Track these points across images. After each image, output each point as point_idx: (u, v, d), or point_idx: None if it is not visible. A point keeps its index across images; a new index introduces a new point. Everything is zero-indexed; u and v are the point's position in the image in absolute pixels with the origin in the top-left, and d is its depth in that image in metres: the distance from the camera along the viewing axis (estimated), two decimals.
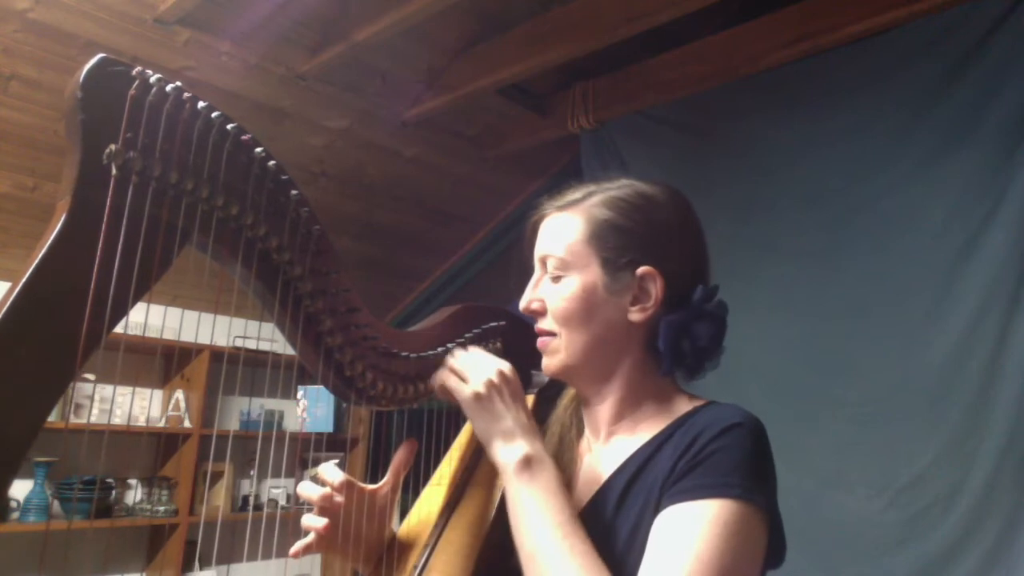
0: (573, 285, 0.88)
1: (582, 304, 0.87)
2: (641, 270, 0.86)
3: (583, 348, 0.88)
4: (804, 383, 2.73)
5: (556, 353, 0.90)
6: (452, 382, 0.87)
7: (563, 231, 0.90)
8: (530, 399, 0.98)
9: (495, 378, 0.85)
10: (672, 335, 0.86)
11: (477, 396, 0.84)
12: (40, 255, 0.62)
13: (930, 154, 2.59)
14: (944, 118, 2.57)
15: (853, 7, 2.63)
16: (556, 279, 0.90)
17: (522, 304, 0.93)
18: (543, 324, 0.91)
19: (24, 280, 0.61)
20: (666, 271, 0.87)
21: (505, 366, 0.87)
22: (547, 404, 1.01)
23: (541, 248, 0.92)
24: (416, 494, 1.05)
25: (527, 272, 0.95)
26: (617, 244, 0.87)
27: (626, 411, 0.89)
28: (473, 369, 0.87)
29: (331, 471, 0.97)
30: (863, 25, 2.63)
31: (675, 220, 0.91)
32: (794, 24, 2.77)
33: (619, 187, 0.91)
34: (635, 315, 0.87)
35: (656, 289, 0.86)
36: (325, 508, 0.95)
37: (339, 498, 0.95)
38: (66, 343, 0.62)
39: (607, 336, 0.88)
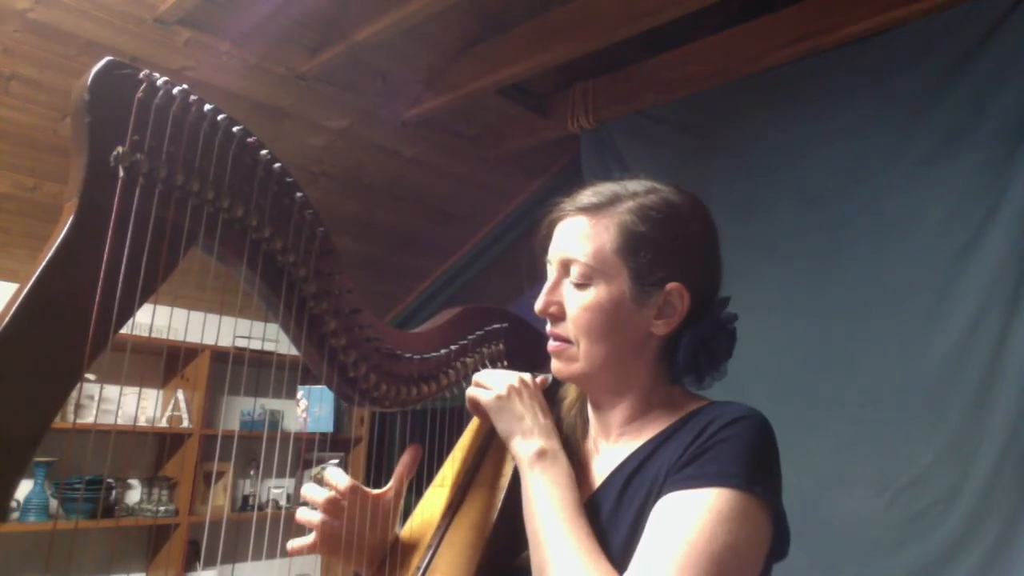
0: (600, 295, 0.86)
1: (607, 316, 0.86)
2: (670, 286, 0.86)
3: (602, 358, 0.87)
4: (804, 383, 2.73)
5: (573, 361, 0.89)
6: (477, 392, 0.91)
7: (591, 238, 0.87)
8: None
9: (515, 383, 0.90)
10: (693, 350, 0.86)
11: (499, 398, 0.89)
12: (47, 257, 0.62)
13: (930, 154, 2.59)
14: (944, 118, 2.57)
15: (853, 7, 2.64)
16: (580, 286, 0.87)
17: (538, 307, 0.90)
18: (559, 329, 0.90)
19: (31, 282, 0.61)
20: (692, 286, 0.87)
21: (524, 375, 0.93)
22: (549, 401, 1.01)
23: (563, 251, 0.89)
24: (419, 495, 1.05)
25: (539, 269, 0.93)
26: (649, 258, 0.86)
27: (637, 415, 0.90)
28: (495, 379, 0.91)
29: (336, 475, 0.97)
30: (863, 25, 2.63)
31: (703, 235, 0.90)
32: (794, 24, 2.77)
33: (647, 194, 0.89)
34: (659, 328, 0.87)
35: (682, 304, 0.86)
36: (328, 511, 0.95)
37: (343, 502, 0.95)
38: (73, 344, 0.62)
39: (626, 346, 0.87)
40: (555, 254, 0.90)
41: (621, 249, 0.86)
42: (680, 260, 0.87)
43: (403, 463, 1.00)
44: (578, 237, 0.88)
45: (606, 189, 0.91)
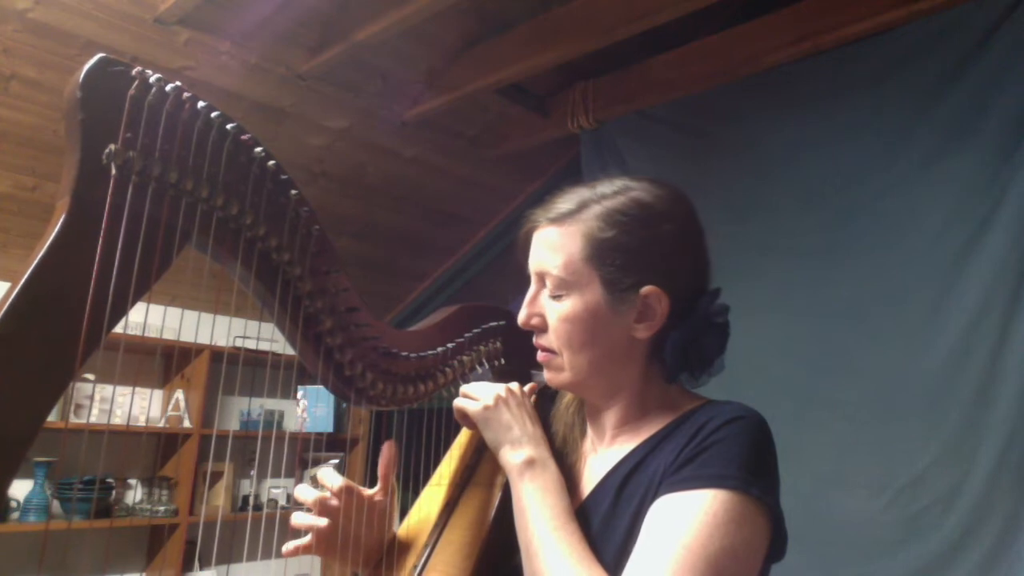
0: (575, 306, 0.85)
1: (584, 326, 0.85)
2: (646, 290, 0.84)
3: (587, 367, 0.86)
4: (804, 383, 2.72)
5: (560, 371, 0.88)
6: (464, 402, 0.91)
7: (560, 248, 0.86)
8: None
9: (502, 392, 0.91)
10: (679, 349, 0.85)
11: (486, 408, 0.90)
12: (39, 255, 0.62)
13: (930, 154, 2.59)
14: (944, 118, 2.57)
15: (853, 7, 2.63)
16: (556, 298, 0.87)
17: (520, 319, 0.90)
18: (543, 340, 0.89)
19: (24, 280, 0.61)
20: (671, 287, 0.85)
21: (512, 384, 0.92)
22: (547, 401, 1.01)
23: (537, 263, 0.88)
24: (416, 494, 1.05)
25: (524, 276, 0.93)
26: (620, 264, 0.84)
27: (632, 416, 0.89)
28: (482, 389, 0.92)
29: (330, 475, 0.97)
30: (863, 25, 2.63)
31: (679, 232, 0.87)
32: (794, 24, 2.77)
33: (616, 196, 0.87)
34: (640, 333, 0.85)
35: (661, 307, 0.84)
36: (322, 512, 0.95)
37: (335, 502, 0.95)
38: (66, 343, 0.62)
39: (611, 353, 0.86)
40: (531, 266, 0.90)
41: (590, 257, 0.85)
42: (654, 262, 0.85)
43: (382, 463, 1.00)
44: (549, 248, 0.87)
45: (575, 195, 0.89)
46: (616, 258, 0.84)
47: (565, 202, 0.88)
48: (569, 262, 0.85)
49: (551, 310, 0.87)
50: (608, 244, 0.84)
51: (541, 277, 0.88)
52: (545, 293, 0.88)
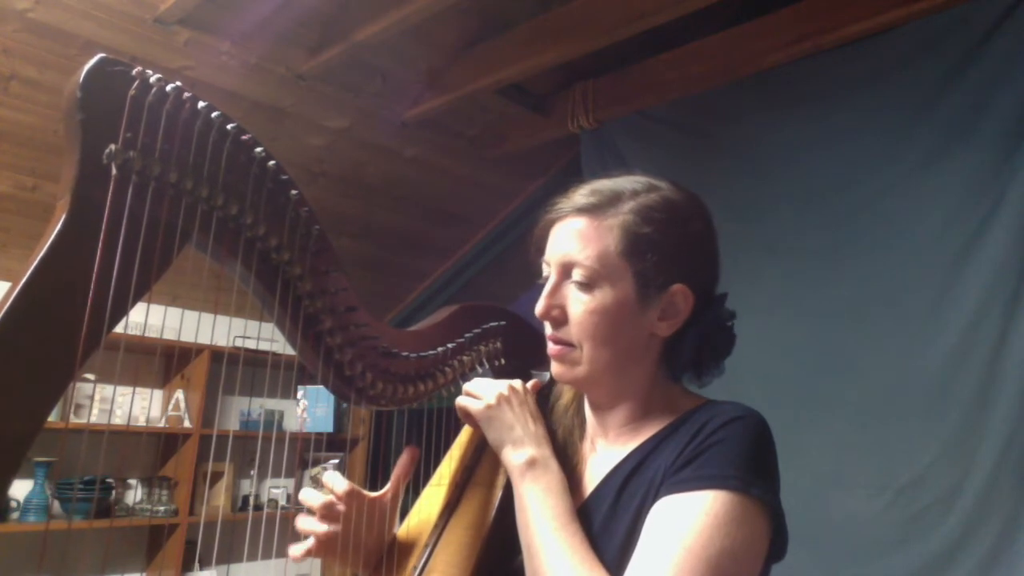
0: (605, 298, 0.84)
1: (612, 319, 0.84)
2: (675, 287, 0.85)
3: (606, 361, 0.86)
4: (804, 383, 2.72)
5: (576, 365, 0.87)
6: (467, 401, 0.91)
7: (593, 240, 0.85)
8: None
9: (504, 390, 0.90)
10: (696, 348, 0.86)
11: (488, 407, 0.89)
12: (39, 255, 0.62)
13: (930, 154, 2.59)
14: (944, 118, 2.57)
15: (853, 7, 2.63)
16: (585, 289, 0.85)
17: (539, 311, 0.88)
18: (561, 333, 0.88)
19: (24, 280, 0.61)
20: (695, 286, 0.86)
21: (515, 381, 0.92)
22: (543, 401, 1.01)
23: (563, 254, 0.86)
24: (416, 494, 1.05)
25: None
26: (655, 261, 0.84)
27: (636, 416, 0.89)
28: (485, 387, 0.91)
29: (335, 479, 0.97)
30: (863, 25, 2.63)
31: (703, 234, 0.89)
32: (794, 24, 2.77)
33: (647, 193, 0.87)
34: (662, 330, 0.86)
35: (686, 305, 0.85)
36: (326, 516, 0.95)
37: (341, 507, 0.95)
38: (66, 343, 0.62)
39: (630, 349, 0.86)
40: (555, 256, 0.88)
41: (626, 251, 0.84)
42: (683, 261, 0.86)
43: (400, 465, 1.00)
44: (579, 239, 0.85)
45: (604, 188, 0.88)
46: (651, 254, 0.84)
47: (593, 195, 0.87)
48: (603, 254, 0.84)
49: (576, 302, 0.86)
50: (644, 240, 0.84)
51: (566, 268, 0.86)
52: (569, 285, 0.87)
